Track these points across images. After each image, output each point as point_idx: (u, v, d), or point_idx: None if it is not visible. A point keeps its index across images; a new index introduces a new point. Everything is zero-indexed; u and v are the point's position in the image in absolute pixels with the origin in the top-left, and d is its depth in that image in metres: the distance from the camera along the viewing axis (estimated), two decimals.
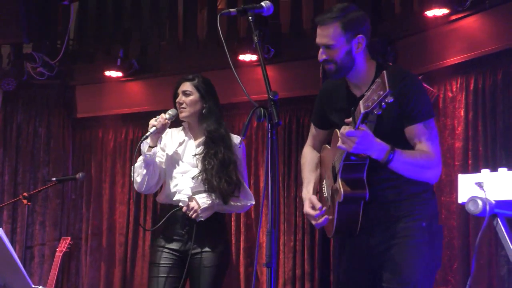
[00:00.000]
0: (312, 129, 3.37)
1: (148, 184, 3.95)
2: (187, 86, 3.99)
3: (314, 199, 3.12)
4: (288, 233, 6.02)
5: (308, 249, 5.90)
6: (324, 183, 3.21)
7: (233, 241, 6.24)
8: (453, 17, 5.19)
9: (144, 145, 3.90)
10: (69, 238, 6.15)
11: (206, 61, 6.43)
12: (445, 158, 5.22)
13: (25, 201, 5.50)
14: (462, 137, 5.10)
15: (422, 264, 2.96)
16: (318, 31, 2.98)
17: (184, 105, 3.95)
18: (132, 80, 6.83)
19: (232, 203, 3.92)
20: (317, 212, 3.07)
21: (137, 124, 6.81)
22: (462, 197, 2.32)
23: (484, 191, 2.23)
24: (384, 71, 2.57)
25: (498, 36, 4.95)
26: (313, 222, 3.12)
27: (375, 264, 3.04)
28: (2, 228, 3.48)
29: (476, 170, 4.76)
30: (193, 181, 3.91)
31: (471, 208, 2.23)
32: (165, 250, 3.92)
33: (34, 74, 6.88)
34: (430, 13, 5.22)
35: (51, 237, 6.76)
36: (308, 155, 3.34)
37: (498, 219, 2.25)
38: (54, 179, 5.69)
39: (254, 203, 4.04)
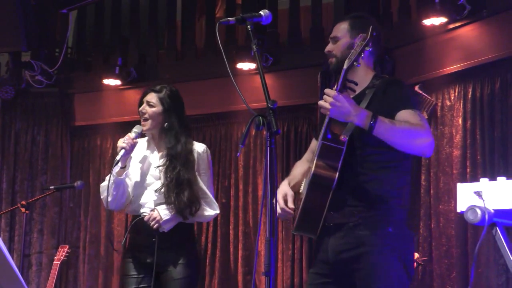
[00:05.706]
0: (312, 143, 3.39)
1: (118, 202, 3.92)
2: (152, 97, 3.99)
3: (291, 194, 3.11)
4: (286, 241, 6.01)
5: (306, 257, 5.89)
6: (303, 183, 3.17)
7: (231, 250, 6.23)
8: (451, 26, 5.20)
9: (115, 168, 3.84)
10: (67, 246, 6.11)
11: (204, 70, 6.44)
12: (443, 166, 5.23)
13: (23, 209, 5.48)
14: (460, 146, 5.10)
15: (395, 272, 2.93)
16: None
17: (146, 116, 3.95)
18: (130, 88, 6.83)
19: (192, 216, 3.88)
20: (286, 208, 3.07)
21: None
22: (461, 206, 2.33)
23: (483, 200, 2.23)
24: (371, 26, 2.90)
25: (496, 45, 4.96)
26: (277, 213, 3.06)
27: (344, 270, 3.00)
28: (0, 236, 3.48)
29: (474, 178, 4.77)
30: (156, 194, 3.90)
31: (470, 217, 2.23)
32: (135, 261, 3.89)
33: (33, 82, 6.88)
34: (428, 21, 5.23)
35: (49, 245, 6.75)
36: (298, 163, 3.36)
37: (497, 228, 2.25)
38: (52, 187, 5.67)
39: (218, 212, 4.00)
